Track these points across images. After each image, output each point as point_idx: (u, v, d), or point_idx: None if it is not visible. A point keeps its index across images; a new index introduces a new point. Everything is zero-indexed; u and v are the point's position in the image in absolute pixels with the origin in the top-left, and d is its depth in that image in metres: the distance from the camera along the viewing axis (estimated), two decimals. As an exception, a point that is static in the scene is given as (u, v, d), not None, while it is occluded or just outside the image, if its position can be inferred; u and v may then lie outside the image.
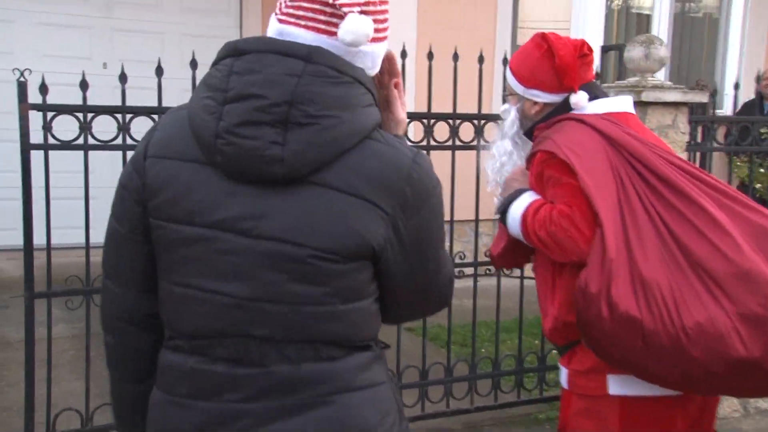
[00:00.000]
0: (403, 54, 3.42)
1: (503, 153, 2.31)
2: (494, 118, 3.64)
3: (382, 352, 1.44)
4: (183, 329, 1.34)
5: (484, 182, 3.57)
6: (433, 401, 3.73)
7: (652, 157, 2.03)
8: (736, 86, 3.85)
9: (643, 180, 2.00)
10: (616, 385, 2.03)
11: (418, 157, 1.35)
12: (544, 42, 2.18)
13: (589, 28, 7.02)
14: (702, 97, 3.68)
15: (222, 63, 1.30)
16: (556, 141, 2.07)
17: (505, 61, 3.66)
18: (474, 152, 3.59)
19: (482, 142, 3.59)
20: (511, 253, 2.31)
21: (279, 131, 1.23)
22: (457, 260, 3.74)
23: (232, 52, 1.30)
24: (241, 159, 1.24)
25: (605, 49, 5.57)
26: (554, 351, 4.04)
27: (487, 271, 3.85)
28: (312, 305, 1.28)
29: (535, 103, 2.23)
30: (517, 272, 3.84)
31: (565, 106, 2.18)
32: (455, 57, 3.54)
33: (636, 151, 2.03)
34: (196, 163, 1.29)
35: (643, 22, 7.84)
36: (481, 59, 3.61)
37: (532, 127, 2.24)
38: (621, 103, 2.21)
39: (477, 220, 3.79)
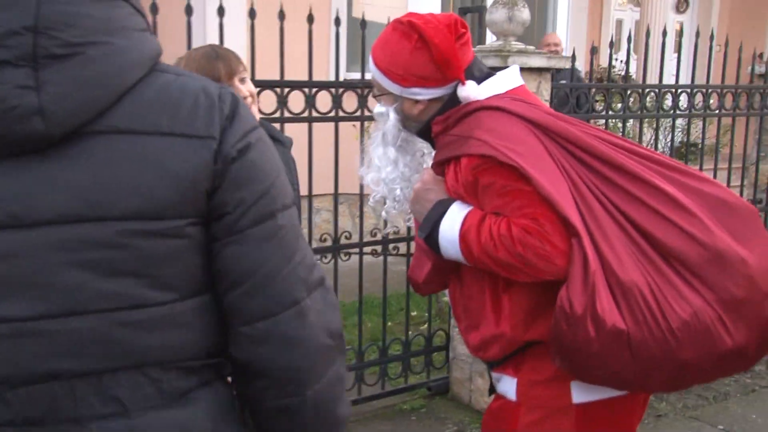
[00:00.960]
0: (220, 11, 2.96)
1: (387, 162, 1.93)
2: (324, 85, 3.28)
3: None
4: None
5: (343, 158, 3.35)
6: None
7: (586, 137, 1.75)
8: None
9: (587, 167, 1.72)
10: (580, 393, 1.78)
11: (225, 88, 1.04)
12: (413, 31, 1.77)
13: (425, -2, 6.85)
14: (565, 63, 3.54)
15: None
16: (486, 140, 1.69)
17: (337, 21, 3.33)
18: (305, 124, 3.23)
19: (337, 113, 3.30)
20: (439, 276, 1.96)
21: (27, 71, 0.88)
22: (316, 244, 3.38)
23: None
24: None
25: (463, 11, 5.37)
26: (421, 335, 3.84)
27: (343, 257, 3.55)
28: (138, 308, 0.93)
29: (417, 101, 1.85)
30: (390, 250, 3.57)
31: (455, 98, 1.82)
32: (281, 15, 3.10)
33: (569, 135, 1.73)
34: None
35: (479, -9, 7.84)
36: (310, 18, 3.18)
37: (426, 125, 1.87)
38: (514, 77, 1.89)
39: (336, 194, 3.45)
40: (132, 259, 0.92)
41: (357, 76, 3.54)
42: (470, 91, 1.80)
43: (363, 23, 3.38)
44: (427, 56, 1.78)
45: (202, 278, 0.99)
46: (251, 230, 0.99)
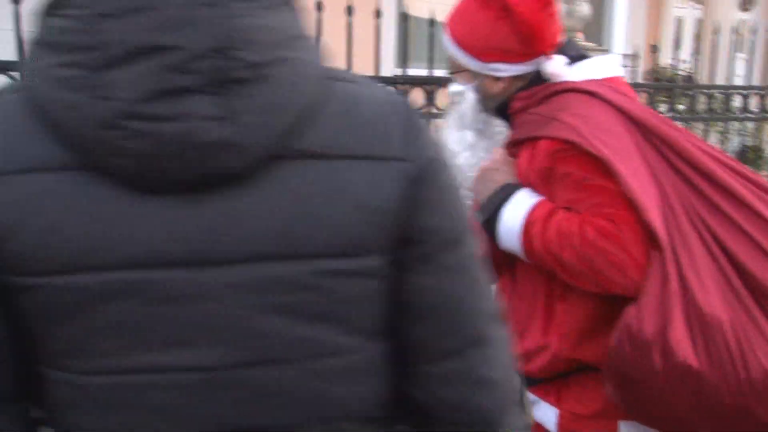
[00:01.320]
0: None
1: (464, 147, 1.73)
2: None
3: None
4: None
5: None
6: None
7: (687, 145, 1.52)
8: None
9: (683, 178, 1.50)
10: None
11: (401, 97, 0.92)
12: None
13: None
14: (625, 61, 3.28)
15: (69, 3, 0.76)
16: (572, 124, 1.49)
17: (378, 13, 3.11)
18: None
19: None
20: (491, 267, 1.74)
21: (214, 99, 0.75)
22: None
23: None
24: (163, 156, 0.75)
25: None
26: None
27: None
28: (334, 356, 0.85)
29: (498, 78, 1.65)
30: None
31: (541, 76, 1.63)
32: (318, 6, 2.91)
33: (668, 138, 1.51)
34: (67, 171, 0.77)
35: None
36: (349, 10, 2.92)
37: (505, 103, 1.67)
38: (613, 64, 1.67)
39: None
40: (326, 301, 0.83)
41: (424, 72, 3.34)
42: (556, 66, 1.60)
43: (405, 16, 3.19)
44: (509, 28, 1.58)
45: (393, 322, 0.89)
46: (437, 258, 0.87)
